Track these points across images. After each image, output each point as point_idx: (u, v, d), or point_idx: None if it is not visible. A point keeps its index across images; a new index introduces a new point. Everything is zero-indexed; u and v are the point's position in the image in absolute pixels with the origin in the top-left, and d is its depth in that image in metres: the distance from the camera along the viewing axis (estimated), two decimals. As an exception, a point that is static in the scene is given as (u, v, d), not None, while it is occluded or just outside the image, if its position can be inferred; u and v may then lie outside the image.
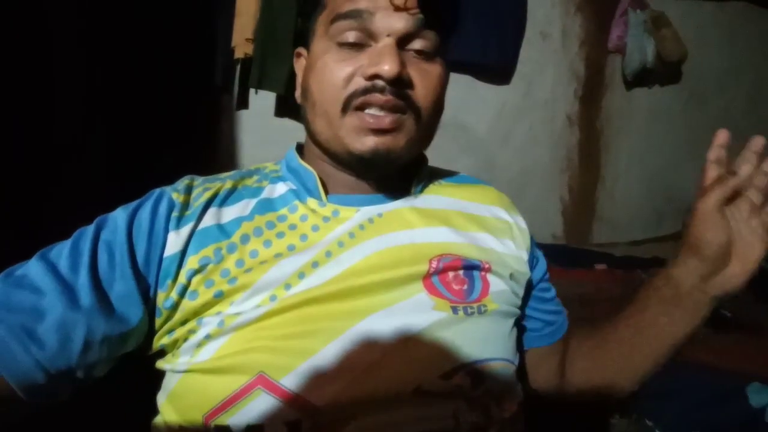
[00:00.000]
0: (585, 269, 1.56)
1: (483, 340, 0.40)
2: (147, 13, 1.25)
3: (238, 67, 1.54)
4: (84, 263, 0.36)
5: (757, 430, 0.67)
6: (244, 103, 1.60)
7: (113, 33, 1.21)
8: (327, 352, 0.36)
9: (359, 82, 0.40)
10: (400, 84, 0.39)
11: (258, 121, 1.60)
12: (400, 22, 0.39)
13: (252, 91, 1.54)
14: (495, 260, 0.44)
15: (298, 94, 0.46)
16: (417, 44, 0.41)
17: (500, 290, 0.43)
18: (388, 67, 0.38)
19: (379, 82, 0.39)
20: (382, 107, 0.39)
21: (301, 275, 0.38)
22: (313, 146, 0.46)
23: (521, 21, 1.60)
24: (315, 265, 0.39)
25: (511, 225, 0.49)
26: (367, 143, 0.40)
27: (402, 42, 0.40)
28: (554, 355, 0.51)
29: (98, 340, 0.34)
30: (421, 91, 0.41)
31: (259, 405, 0.34)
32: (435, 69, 0.42)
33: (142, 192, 0.43)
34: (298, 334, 0.36)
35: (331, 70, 0.40)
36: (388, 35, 0.39)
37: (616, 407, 0.67)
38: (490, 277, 0.43)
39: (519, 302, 0.46)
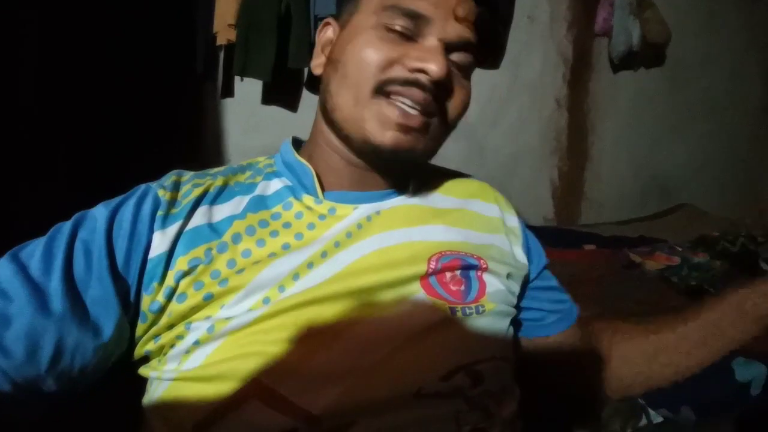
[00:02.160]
0: (575, 249, 1.59)
1: (481, 340, 0.39)
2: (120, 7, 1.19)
3: (221, 54, 1.49)
4: (57, 265, 0.33)
5: (744, 402, 0.70)
6: (228, 92, 1.56)
7: (86, 20, 1.15)
8: (324, 356, 0.34)
9: (400, 71, 0.38)
10: (440, 87, 0.39)
11: (244, 110, 1.56)
12: (454, 31, 0.40)
13: (237, 78, 1.50)
14: (491, 258, 0.44)
15: (318, 62, 0.44)
16: (459, 57, 0.41)
17: (497, 290, 0.42)
18: (437, 68, 0.37)
19: (423, 78, 0.38)
20: (417, 103, 0.38)
21: (295, 276, 0.37)
22: (320, 132, 0.44)
23: (509, 4, 1.58)
24: (310, 265, 0.37)
25: (504, 222, 0.49)
26: (388, 137, 0.38)
27: (448, 49, 0.40)
28: (572, 341, 0.49)
29: (70, 347, 0.32)
30: (455, 102, 0.41)
31: (254, 414, 0.33)
32: (468, 86, 0.43)
33: (124, 186, 0.40)
34: (294, 338, 0.35)
35: (376, 49, 0.39)
36: (439, 39, 0.39)
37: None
38: (486, 276, 0.42)
39: (515, 301, 0.46)
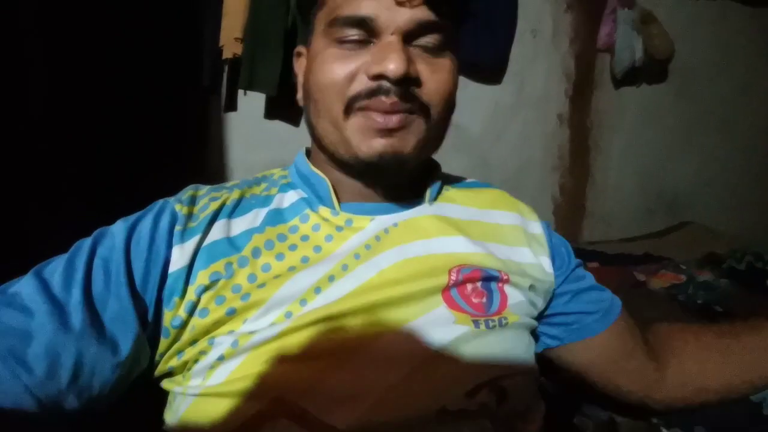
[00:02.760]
0: (579, 267, 1.57)
1: (505, 353, 0.39)
2: (130, 12, 1.22)
3: (226, 68, 1.51)
4: (77, 281, 0.34)
5: (758, 422, 0.67)
6: (232, 106, 1.57)
7: (93, 32, 1.17)
8: (348, 372, 0.34)
9: (363, 82, 0.37)
10: (406, 83, 0.37)
11: (247, 124, 1.58)
12: (404, 17, 0.37)
13: (240, 92, 1.51)
14: (513, 270, 0.43)
15: (300, 96, 0.45)
16: (423, 39, 0.39)
17: (518, 302, 0.42)
18: (393, 66, 0.36)
19: (385, 83, 0.37)
20: (387, 111, 0.37)
21: (317, 290, 0.37)
22: (319, 151, 0.45)
23: (512, 18, 1.61)
24: (331, 279, 0.37)
25: (526, 232, 0.48)
26: (374, 146, 0.38)
27: (408, 38, 0.38)
28: (617, 338, 0.47)
29: (89, 364, 0.32)
30: (431, 87, 0.39)
31: (278, 430, 0.33)
32: (445, 63, 0.40)
33: (130, 200, 0.41)
34: (317, 353, 0.34)
35: (332, 69, 0.38)
36: (392, 33, 0.37)
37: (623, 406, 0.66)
38: (507, 288, 0.42)
39: (536, 313, 0.45)
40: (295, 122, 1.62)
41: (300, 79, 0.45)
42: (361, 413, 0.33)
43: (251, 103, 1.54)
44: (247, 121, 1.57)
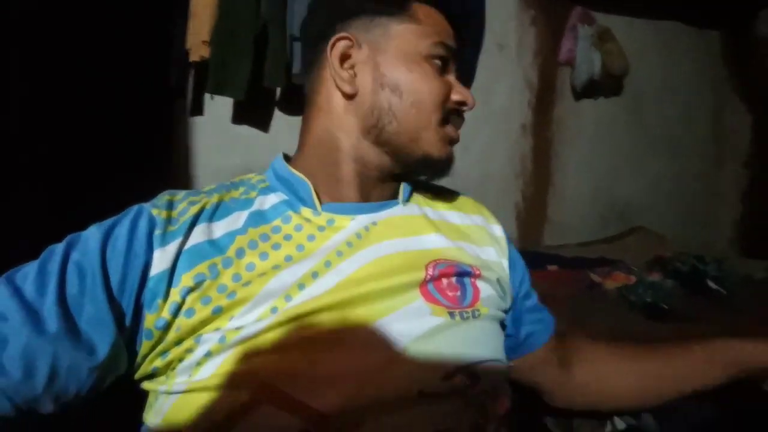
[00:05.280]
0: (539, 270, 1.65)
1: (478, 342, 0.42)
2: (94, 11, 1.17)
3: (193, 71, 1.48)
4: (51, 286, 0.34)
5: (700, 408, 0.73)
6: (198, 109, 1.54)
7: (55, 33, 1.12)
8: (331, 360, 0.36)
9: (450, 103, 0.46)
10: None
11: (214, 129, 1.55)
12: (455, 65, 0.49)
13: (208, 96, 1.49)
14: (482, 266, 0.47)
15: (343, 78, 0.44)
16: None
17: (489, 295, 0.45)
18: (472, 101, 0.47)
19: (463, 108, 0.48)
20: (457, 128, 0.48)
21: (301, 286, 0.38)
22: (333, 146, 0.45)
23: (481, 34, 1.68)
24: (315, 275, 0.39)
25: (490, 233, 0.52)
26: (446, 151, 0.46)
27: None
28: (544, 349, 0.53)
29: (65, 367, 0.32)
30: None
31: (267, 417, 0.34)
32: None
33: (94, 204, 0.41)
34: (302, 344, 0.36)
35: (436, 84, 0.45)
36: (453, 72, 0.48)
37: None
38: (479, 283, 0.45)
39: (505, 306, 0.49)
40: (264, 127, 1.60)
41: (337, 63, 0.45)
42: (343, 396, 0.34)
43: (218, 107, 1.51)
44: (214, 125, 1.54)
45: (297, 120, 1.89)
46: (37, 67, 1.10)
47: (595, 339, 0.55)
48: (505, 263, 0.51)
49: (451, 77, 0.47)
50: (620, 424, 0.72)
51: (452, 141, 0.47)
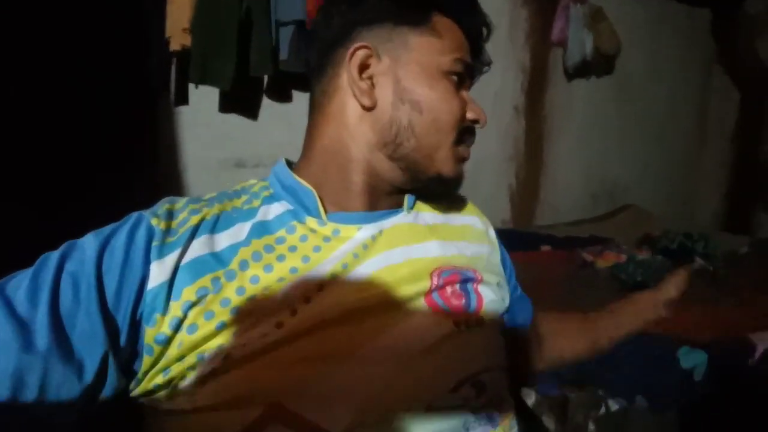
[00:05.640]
0: (533, 251, 1.67)
1: (483, 351, 0.42)
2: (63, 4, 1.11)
3: (175, 60, 1.43)
4: (43, 298, 0.32)
5: (689, 388, 0.77)
6: (183, 99, 1.49)
7: (30, 23, 1.06)
8: (339, 376, 0.35)
9: (465, 121, 0.45)
10: None
11: (200, 119, 1.50)
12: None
13: (191, 85, 1.44)
14: (482, 267, 0.47)
15: (362, 90, 0.43)
16: None
17: (492, 300, 0.45)
18: (485, 118, 0.46)
19: (476, 126, 0.47)
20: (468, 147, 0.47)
21: (307, 299, 0.37)
22: (345, 156, 0.44)
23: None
24: (320, 288, 0.38)
25: (485, 233, 0.52)
26: (457, 170, 0.46)
27: None
28: (526, 337, 0.57)
29: (54, 384, 0.31)
30: None
31: None
32: None
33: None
34: (309, 360, 0.35)
35: (453, 102, 0.43)
36: (468, 89, 0.47)
37: (573, 382, 0.73)
38: (481, 289, 0.45)
39: (505, 307, 0.49)
40: (253, 116, 1.56)
41: (356, 74, 0.43)
42: (352, 414, 0.34)
43: (204, 96, 1.47)
44: (200, 115, 1.49)
45: (286, 108, 1.84)
46: (9, 64, 1.05)
47: (552, 311, 0.63)
48: (497, 260, 0.51)
49: (466, 93, 0.46)
50: (613, 405, 0.75)
51: (463, 160, 0.46)
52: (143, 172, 1.38)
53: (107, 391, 0.34)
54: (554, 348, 0.59)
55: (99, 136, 1.21)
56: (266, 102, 1.55)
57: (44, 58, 1.10)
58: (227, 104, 1.52)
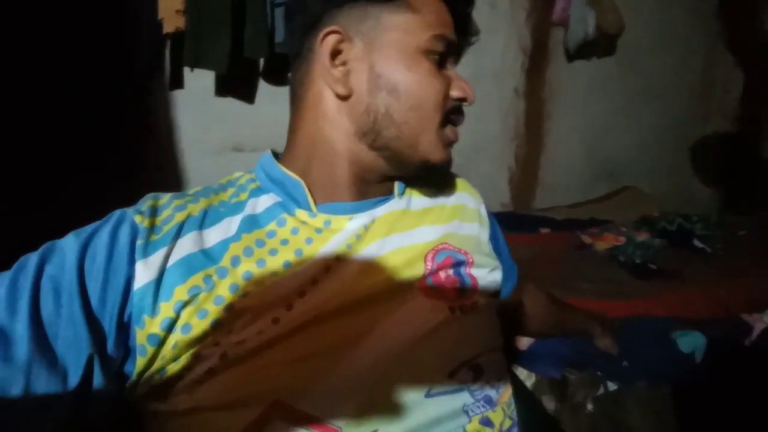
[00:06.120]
0: (532, 234, 1.67)
1: (478, 334, 0.42)
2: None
3: (169, 43, 1.39)
4: (23, 305, 0.31)
5: (687, 368, 0.78)
6: (178, 83, 1.46)
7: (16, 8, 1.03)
8: (338, 370, 0.35)
9: (450, 101, 0.43)
10: None
11: (197, 102, 1.47)
12: (457, 58, 0.46)
13: (187, 68, 1.41)
14: (474, 250, 0.46)
15: (335, 78, 0.40)
16: None
17: (486, 284, 0.45)
18: (472, 94, 0.44)
19: (463, 104, 0.44)
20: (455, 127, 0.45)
21: (301, 294, 0.37)
22: (327, 147, 0.42)
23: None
24: (314, 281, 0.37)
25: (477, 211, 0.52)
26: (444, 155, 0.44)
27: None
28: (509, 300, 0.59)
29: (40, 391, 0.30)
30: None
31: None
32: None
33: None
34: (309, 355, 0.35)
35: (433, 84, 0.41)
36: (454, 67, 0.45)
37: (573, 365, 0.75)
38: (475, 271, 0.45)
39: (498, 286, 0.49)
40: (249, 99, 1.54)
41: (327, 61, 0.41)
42: (356, 406, 0.34)
43: (199, 79, 1.44)
44: (196, 98, 1.47)
45: (282, 91, 1.81)
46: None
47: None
48: (487, 237, 0.51)
49: (452, 70, 0.44)
50: (612, 386, 0.76)
51: (451, 143, 0.44)
52: (139, 159, 1.36)
53: (98, 395, 0.33)
54: (525, 318, 0.64)
55: (90, 123, 1.19)
56: (263, 85, 1.52)
57: (29, 40, 1.07)
58: (223, 87, 1.49)
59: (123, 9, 1.24)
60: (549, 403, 0.74)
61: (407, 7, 0.41)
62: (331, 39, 0.41)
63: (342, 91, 0.41)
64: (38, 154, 1.09)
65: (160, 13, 1.23)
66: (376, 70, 0.41)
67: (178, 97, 1.47)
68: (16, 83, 1.04)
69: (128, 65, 1.29)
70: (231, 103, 1.52)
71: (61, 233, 0.36)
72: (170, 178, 1.47)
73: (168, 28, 1.23)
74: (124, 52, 1.27)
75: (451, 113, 0.43)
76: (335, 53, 0.41)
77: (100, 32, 1.18)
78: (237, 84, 1.48)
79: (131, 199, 0.41)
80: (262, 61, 1.49)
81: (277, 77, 1.51)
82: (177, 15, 1.22)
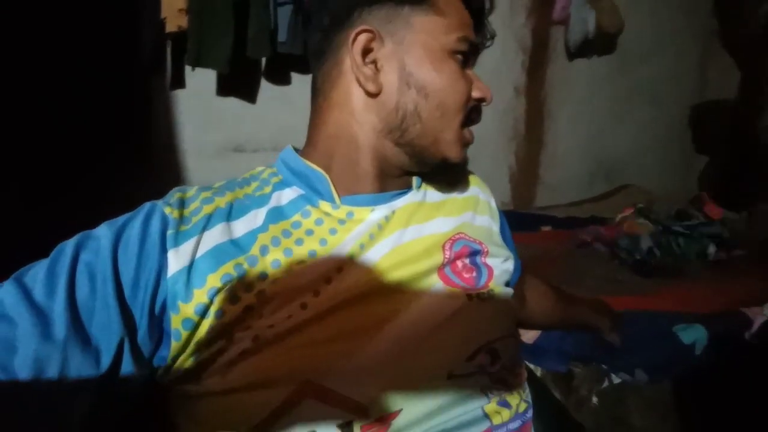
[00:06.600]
0: (533, 232, 1.69)
1: (495, 320, 0.43)
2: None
3: (170, 42, 1.40)
4: (60, 288, 0.33)
5: (688, 361, 0.79)
6: (179, 83, 1.47)
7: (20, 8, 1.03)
8: (364, 352, 0.37)
9: (471, 101, 0.44)
10: None
11: (198, 102, 1.48)
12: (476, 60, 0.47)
13: (188, 68, 1.41)
14: (488, 240, 0.48)
15: (366, 76, 0.42)
16: None
17: (500, 272, 0.47)
18: (491, 95, 0.45)
19: (481, 105, 0.46)
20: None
21: (327, 280, 0.38)
22: (351, 141, 0.44)
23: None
24: (339, 269, 0.39)
25: (488, 204, 0.54)
26: (462, 154, 0.45)
27: None
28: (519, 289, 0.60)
29: (74, 370, 0.32)
30: None
31: (309, 412, 0.34)
32: None
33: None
34: (336, 337, 0.37)
35: (460, 84, 0.43)
36: (472, 68, 0.46)
37: (578, 360, 0.75)
38: (489, 261, 0.47)
39: (510, 275, 0.50)
40: (251, 99, 1.54)
41: (359, 59, 0.42)
42: (381, 386, 0.36)
43: (201, 79, 1.44)
44: (197, 98, 1.47)
45: (285, 90, 1.82)
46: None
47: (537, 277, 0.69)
48: (497, 229, 0.53)
49: (471, 71, 0.46)
50: (616, 379, 0.77)
51: (468, 144, 0.46)
52: (140, 159, 1.36)
53: (125, 382, 0.35)
54: (528, 311, 0.64)
55: (92, 122, 1.19)
56: (265, 85, 1.53)
57: (33, 40, 1.07)
58: (225, 87, 1.49)
59: (125, 8, 1.25)
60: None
61: (434, 9, 0.43)
62: (363, 37, 0.42)
63: (372, 88, 0.42)
64: (38, 155, 1.10)
65: (162, 11, 1.24)
66: (407, 69, 0.42)
67: (180, 96, 1.48)
68: (17, 83, 1.04)
69: (130, 64, 1.30)
70: (232, 103, 1.52)
71: (64, 230, 0.38)
72: (171, 178, 1.47)
73: (170, 27, 1.24)
74: (126, 50, 1.27)
75: (471, 113, 0.46)
76: (366, 52, 0.43)
77: (102, 31, 1.18)
78: (239, 84, 1.49)
79: (132, 199, 0.43)
80: (264, 61, 1.50)
81: (279, 77, 1.51)
82: (180, 14, 1.23)
